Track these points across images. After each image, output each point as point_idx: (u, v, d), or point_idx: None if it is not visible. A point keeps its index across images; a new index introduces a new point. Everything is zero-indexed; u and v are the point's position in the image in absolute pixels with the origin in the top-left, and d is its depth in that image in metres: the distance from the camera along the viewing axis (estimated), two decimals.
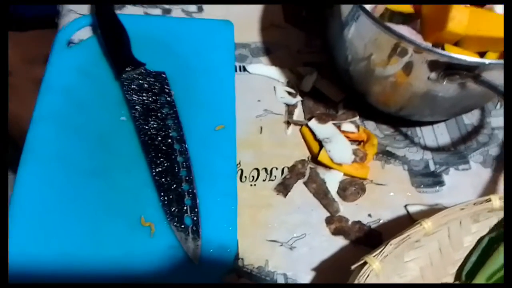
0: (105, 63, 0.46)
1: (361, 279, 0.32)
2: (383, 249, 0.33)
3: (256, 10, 0.54)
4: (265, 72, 0.49)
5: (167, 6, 0.53)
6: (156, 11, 0.53)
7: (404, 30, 0.41)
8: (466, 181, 0.44)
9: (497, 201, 0.35)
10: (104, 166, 0.41)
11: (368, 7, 0.40)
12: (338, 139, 0.44)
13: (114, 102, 0.44)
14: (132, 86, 0.44)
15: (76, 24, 0.49)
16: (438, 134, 0.47)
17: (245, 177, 0.42)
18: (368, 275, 0.32)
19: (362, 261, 0.33)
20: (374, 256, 0.32)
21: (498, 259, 0.35)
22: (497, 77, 0.36)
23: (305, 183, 0.43)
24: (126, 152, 0.41)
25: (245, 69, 0.49)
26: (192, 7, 0.53)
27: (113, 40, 0.46)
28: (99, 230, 0.38)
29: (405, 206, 0.42)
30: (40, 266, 0.35)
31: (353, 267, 0.33)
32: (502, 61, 0.35)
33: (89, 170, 0.40)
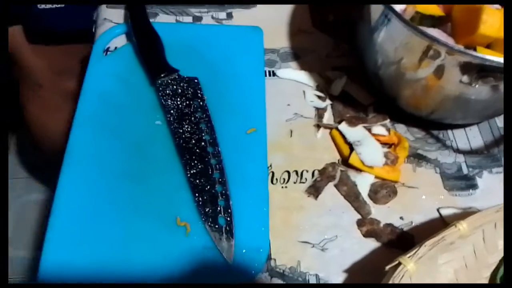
0: (140, 69, 0.48)
1: (395, 280, 0.32)
2: (418, 250, 0.33)
3: (284, 16, 0.55)
4: (294, 77, 0.50)
5: (197, 14, 0.55)
6: (187, 19, 0.54)
7: (434, 33, 0.41)
8: (500, 184, 0.43)
9: None
10: (140, 168, 0.42)
11: (398, 9, 0.40)
12: (369, 142, 0.44)
13: (149, 107, 0.46)
14: (167, 91, 0.45)
15: (112, 32, 0.51)
16: (471, 137, 0.47)
17: (276, 179, 0.43)
18: (402, 276, 0.32)
19: (396, 262, 0.33)
20: (408, 257, 0.33)
21: None
22: None
23: (336, 186, 0.43)
24: (161, 155, 0.43)
25: (274, 74, 0.50)
26: (222, 15, 0.55)
27: (148, 47, 0.48)
28: (135, 231, 0.39)
29: (438, 209, 0.42)
30: (76, 267, 0.37)
31: (387, 267, 0.33)
32: None
33: (125, 173, 0.42)
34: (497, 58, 0.35)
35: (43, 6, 0.62)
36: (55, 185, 0.41)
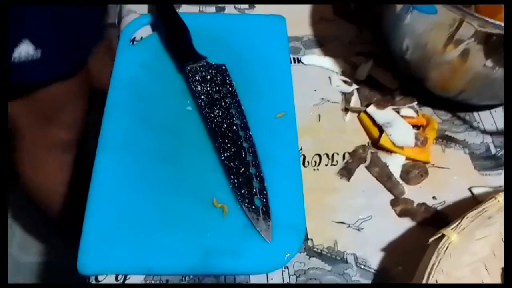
0: (167, 57, 0.49)
1: (440, 252, 0.32)
2: (460, 222, 0.33)
3: (305, 5, 0.56)
4: (319, 63, 0.50)
5: (221, 5, 0.55)
6: (210, 9, 0.55)
7: None
8: None
9: None
10: (173, 152, 0.42)
11: None
12: (399, 123, 0.44)
13: (178, 93, 0.46)
14: (196, 77, 0.46)
15: (137, 23, 0.52)
16: (497, 118, 0.47)
17: (308, 162, 0.43)
18: (446, 248, 0.32)
19: (439, 234, 0.33)
20: (452, 229, 0.33)
21: None
22: None
23: (367, 167, 0.43)
24: (193, 139, 0.43)
25: (299, 61, 0.51)
26: (244, 5, 0.55)
27: (175, 35, 0.48)
28: (172, 213, 0.39)
29: (470, 189, 0.42)
30: (115, 255, 0.37)
31: (430, 240, 0.33)
32: None
33: (160, 157, 0.42)
34: None
35: (17, 58, 0.51)
36: (90, 173, 0.41)
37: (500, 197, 0.34)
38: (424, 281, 0.31)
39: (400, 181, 0.42)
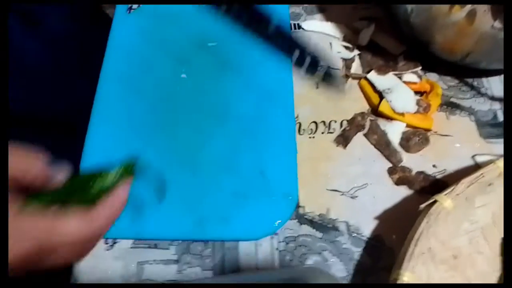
0: (163, 25, 0.48)
1: (431, 218, 0.31)
2: (455, 187, 0.32)
3: None
4: (320, 29, 0.49)
5: None
6: None
7: None
8: None
9: None
10: (168, 121, 0.42)
11: None
12: (400, 88, 0.42)
13: (174, 61, 0.46)
14: None
15: None
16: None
17: (303, 130, 0.42)
18: (439, 213, 0.31)
19: (432, 200, 0.31)
20: (445, 195, 0.31)
21: None
22: None
23: (366, 135, 0.42)
24: (188, 106, 0.43)
25: (300, 27, 0.49)
26: None
27: None
28: (166, 182, 0.39)
29: (473, 157, 0.40)
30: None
31: (422, 206, 0.32)
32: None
33: (154, 125, 0.42)
34: None
35: None
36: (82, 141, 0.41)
37: (500, 163, 0.32)
38: (411, 249, 0.30)
39: (399, 149, 0.41)
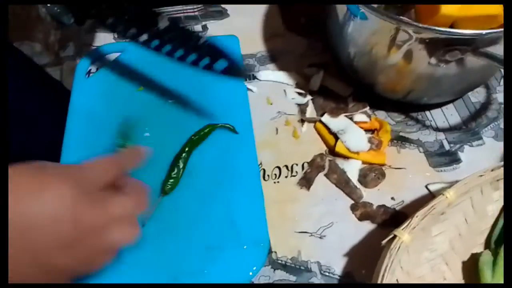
0: (123, 85, 0.49)
1: (392, 252, 0.33)
2: (410, 221, 0.34)
3: (257, 23, 0.57)
4: (274, 77, 0.52)
5: None
6: None
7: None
8: (482, 156, 0.45)
9: None
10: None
11: None
12: (352, 129, 0.45)
13: (136, 120, 0.47)
14: None
15: (92, 55, 0.53)
16: (448, 115, 0.48)
17: (268, 175, 0.44)
18: (398, 248, 0.33)
19: (391, 235, 0.34)
20: (402, 229, 0.34)
21: None
22: (495, 48, 0.38)
23: (326, 175, 0.44)
24: (152, 164, 0.44)
25: (254, 77, 0.52)
26: (197, 27, 0.57)
27: None
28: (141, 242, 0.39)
29: (426, 186, 0.43)
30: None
31: (383, 242, 0.34)
32: (499, 30, 0.37)
33: None
34: (461, 30, 0.37)
35: None
36: None
37: (448, 193, 0.35)
38: (379, 282, 0.31)
39: (359, 185, 0.43)
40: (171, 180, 0.42)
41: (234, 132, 0.45)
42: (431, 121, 0.48)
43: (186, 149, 0.44)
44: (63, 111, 0.48)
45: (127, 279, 0.37)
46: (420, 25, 0.38)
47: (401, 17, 0.39)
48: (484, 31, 0.37)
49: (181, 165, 0.43)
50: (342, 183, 0.43)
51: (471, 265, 0.37)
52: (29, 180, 0.26)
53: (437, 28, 0.38)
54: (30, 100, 0.59)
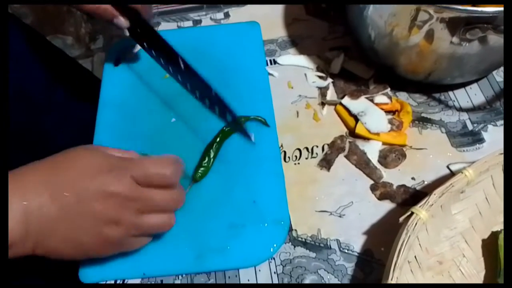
0: (150, 74, 0.52)
1: (409, 229, 0.33)
2: (428, 199, 0.34)
3: (278, 9, 0.58)
4: (294, 62, 0.52)
5: (196, 18, 0.58)
6: (187, 23, 0.58)
7: None
8: None
9: None
10: None
11: None
12: (372, 110, 0.46)
13: (163, 107, 0.49)
14: None
15: (120, 45, 0.55)
16: (472, 94, 0.48)
17: (289, 157, 0.45)
18: (415, 224, 0.33)
19: (409, 213, 0.34)
20: (420, 207, 0.34)
21: None
22: None
23: (346, 156, 0.45)
24: (179, 149, 0.46)
25: (275, 62, 0.53)
26: (220, 15, 0.58)
27: None
28: None
29: (448, 166, 0.43)
30: (112, 260, 0.39)
31: (401, 219, 0.34)
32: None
33: None
34: (481, 8, 0.37)
35: None
36: None
37: (467, 172, 0.35)
38: (395, 259, 0.32)
39: (379, 166, 0.44)
40: (202, 169, 0.43)
41: (266, 125, 0.47)
42: (454, 101, 0.48)
43: (218, 139, 0.45)
44: (95, 100, 0.51)
45: (154, 254, 0.39)
46: (441, 4, 0.38)
47: None
48: (502, 8, 0.36)
49: (212, 155, 0.44)
50: (362, 164, 0.44)
51: (491, 243, 0.37)
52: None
53: (457, 6, 0.37)
54: (62, 90, 0.62)
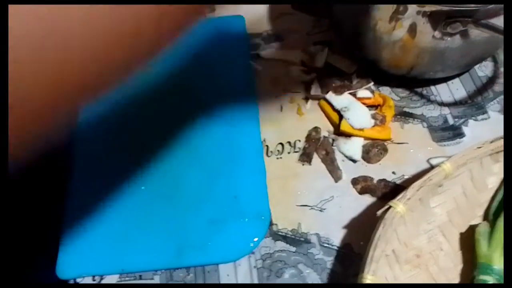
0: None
1: (387, 222, 0.34)
2: (406, 192, 0.35)
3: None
4: (279, 56, 0.52)
5: None
6: None
7: None
8: (486, 130, 0.45)
9: None
10: (145, 157, 0.45)
11: None
12: (355, 106, 0.46)
13: (144, 101, 0.49)
14: None
15: None
16: (454, 89, 0.48)
17: (271, 152, 0.45)
18: (393, 218, 0.34)
19: (387, 206, 0.34)
20: (397, 200, 0.34)
21: None
22: (497, 20, 0.37)
23: (316, 150, 0.45)
24: (163, 145, 0.46)
25: (260, 56, 0.53)
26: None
27: None
28: (145, 216, 0.41)
29: (428, 160, 0.43)
30: (90, 256, 0.39)
31: (378, 212, 0.35)
32: (500, 4, 0.36)
33: (132, 163, 0.44)
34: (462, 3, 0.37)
35: None
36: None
37: (445, 165, 0.35)
38: (371, 253, 0.32)
39: (362, 162, 0.44)
40: None
41: None
42: (436, 96, 0.48)
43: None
44: None
45: (133, 250, 0.39)
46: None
47: None
48: (486, 5, 0.36)
49: None
50: (327, 160, 0.44)
51: (469, 236, 0.37)
52: None
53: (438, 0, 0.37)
54: None
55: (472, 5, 0.37)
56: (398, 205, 0.34)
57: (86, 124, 0.47)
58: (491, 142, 0.36)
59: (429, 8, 0.39)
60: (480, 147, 0.36)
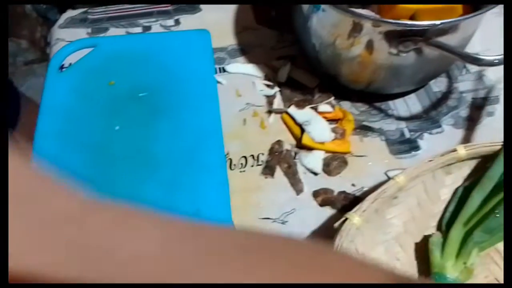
0: (95, 80, 0.51)
1: (343, 234, 0.34)
2: (361, 204, 0.36)
3: (229, 17, 0.59)
4: (243, 70, 0.53)
5: (146, 24, 0.57)
6: (137, 29, 0.57)
7: (363, 12, 0.44)
8: (441, 143, 0.47)
9: (462, 150, 0.38)
10: (104, 172, 0.44)
11: None
12: (316, 120, 0.47)
13: (107, 114, 0.48)
14: None
15: (65, 50, 0.54)
16: (410, 104, 0.50)
17: (234, 165, 0.46)
18: (349, 229, 0.34)
19: (343, 218, 0.35)
20: (354, 212, 0.35)
21: (472, 205, 0.38)
22: (449, 38, 0.40)
23: (279, 163, 0.45)
24: (122, 157, 0.45)
25: (224, 70, 0.53)
26: (170, 21, 0.58)
27: None
28: None
29: (385, 172, 0.45)
30: None
31: (335, 224, 0.35)
32: (449, 21, 0.38)
33: (91, 178, 0.44)
34: (414, 22, 0.39)
35: None
36: None
37: (398, 178, 0.37)
38: None
39: (323, 174, 0.45)
40: None
41: None
42: (393, 110, 0.50)
43: None
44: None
45: None
46: (374, 17, 0.40)
47: (356, 10, 0.40)
48: (434, 22, 0.38)
49: None
50: (289, 173, 0.45)
51: (423, 246, 0.39)
52: None
53: (391, 21, 0.39)
54: None
55: (422, 23, 0.39)
56: (354, 217, 0.35)
57: (44, 141, 0.46)
58: (442, 155, 0.38)
59: (383, 27, 0.40)
60: (431, 160, 0.38)
